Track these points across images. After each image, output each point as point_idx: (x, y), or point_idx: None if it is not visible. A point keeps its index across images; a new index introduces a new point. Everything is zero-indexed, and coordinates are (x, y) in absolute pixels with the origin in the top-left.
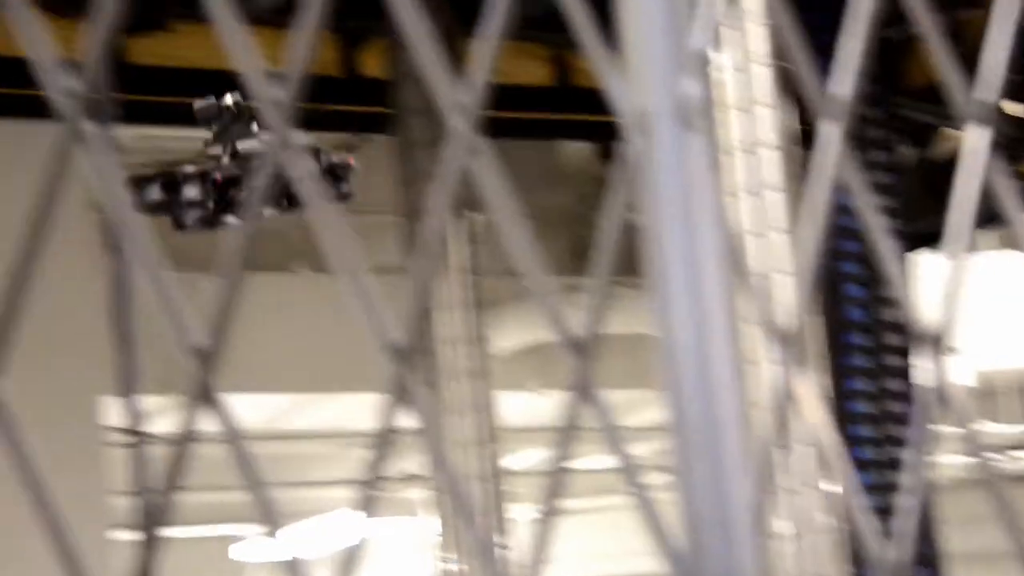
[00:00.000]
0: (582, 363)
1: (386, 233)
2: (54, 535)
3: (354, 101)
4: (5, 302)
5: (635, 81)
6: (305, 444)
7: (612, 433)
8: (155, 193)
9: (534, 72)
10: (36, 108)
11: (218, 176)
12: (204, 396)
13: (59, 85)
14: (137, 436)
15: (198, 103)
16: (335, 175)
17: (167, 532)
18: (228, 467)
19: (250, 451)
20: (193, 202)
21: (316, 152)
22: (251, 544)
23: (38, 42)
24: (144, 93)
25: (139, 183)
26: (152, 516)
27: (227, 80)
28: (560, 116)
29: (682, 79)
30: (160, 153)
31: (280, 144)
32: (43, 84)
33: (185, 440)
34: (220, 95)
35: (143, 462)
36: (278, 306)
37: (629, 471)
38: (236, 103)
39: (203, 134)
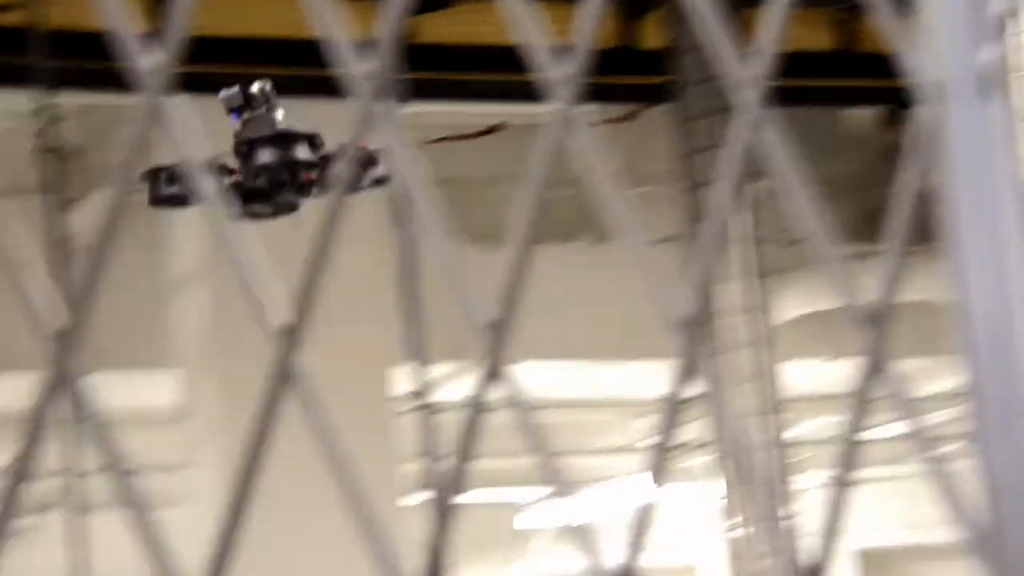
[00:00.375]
0: (875, 331)
1: (665, 203)
2: (354, 504)
3: (633, 72)
4: (304, 279)
5: (932, 49)
6: (589, 412)
7: (905, 401)
8: (165, 187)
9: (818, 38)
10: (329, 87)
11: (231, 166)
12: (494, 367)
13: (354, 66)
14: (426, 404)
15: (223, 92)
16: (359, 161)
17: (459, 499)
18: (515, 434)
19: (537, 419)
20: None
21: (311, 139)
22: (536, 511)
23: (334, 24)
24: (430, 70)
25: (152, 176)
26: (444, 483)
27: (512, 56)
28: (845, 82)
29: (980, 46)
30: (445, 129)
31: (563, 119)
32: (338, 64)
33: (476, 409)
34: (490, 71)
35: (433, 430)
36: (563, 276)
37: (923, 440)
38: (261, 90)
39: (489, 109)
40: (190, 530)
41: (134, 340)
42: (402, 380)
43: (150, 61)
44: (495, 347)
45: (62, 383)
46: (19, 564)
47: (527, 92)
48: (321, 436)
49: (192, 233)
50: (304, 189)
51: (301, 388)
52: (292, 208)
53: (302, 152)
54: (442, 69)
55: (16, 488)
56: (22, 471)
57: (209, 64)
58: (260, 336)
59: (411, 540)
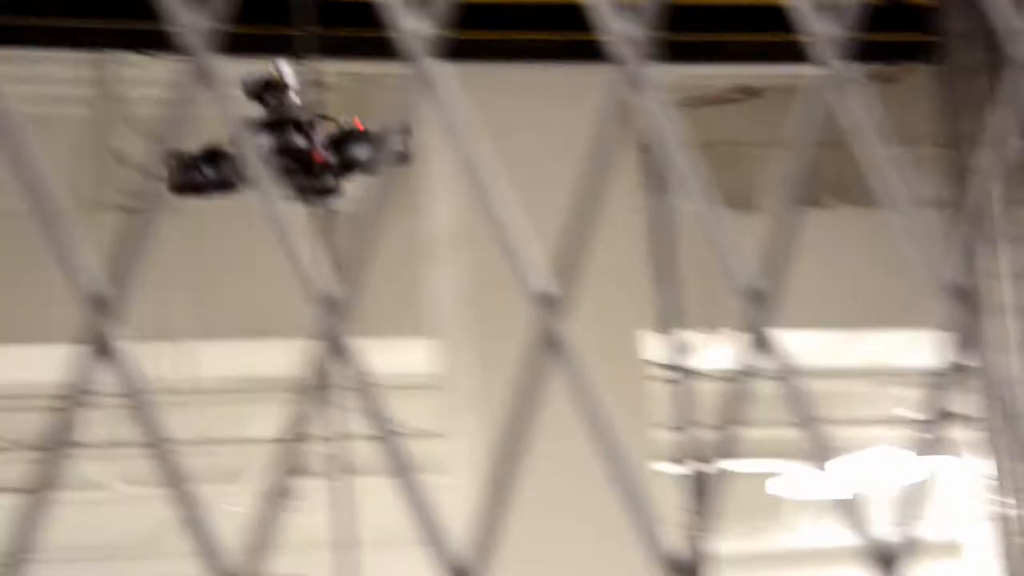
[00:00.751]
0: None
1: (929, 165)
2: (616, 471)
3: (896, 29)
4: (566, 245)
5: None
6: (844, 381)
7: None
8: (185, 174)
9: None
10: (590, 52)
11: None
12: (757, 335)
13: (616, 29)
14: (679, 371)
15: (244, 77)
16: (357, 140)
17: (720, 466)
18: (765, 402)
19: (803, 388)
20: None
21: (298, 125)
22: (788, 480)
23: None
24: (686, 32)
25: (178, 161)
26: (708, 451)
27: (766, 16)
28: None
29: None
30: (692, 90)
31: (831, 80)
32: (599, 28)
33: (741, 377)
34: (745, 31)
35: (685, 397)
36: (817, 241)
37: None
38: (278, 71)
39: (743, 71)
40: (447, 497)
41: (392, 306)
42: (653, 346)
43: (418, 28)
44: (760, 315)
45: (332, 350)
46: (289, 527)
47: (782, 53)
48: (583, 404)
49: (449, 199)
50: (317, 171)
51: (562, 356)
52: (329, 191)
53: (296, 138)
54: (697, 30)
55: (292, 452)
56: (297, 435)
57: (473, 30)
58: (516, 303)
59: (663, 505)
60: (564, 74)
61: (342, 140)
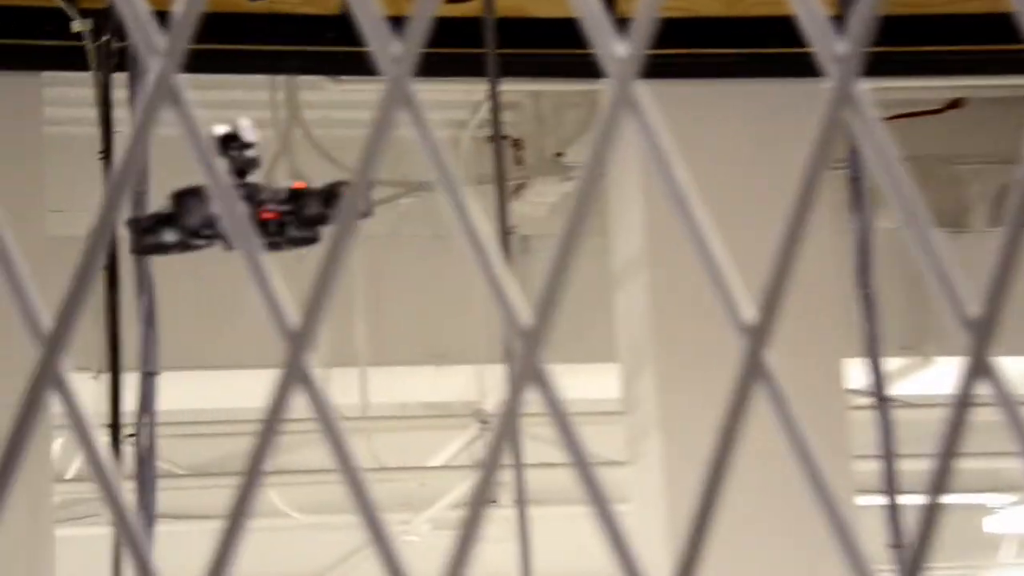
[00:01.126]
0: None
1: None
2: (821, 500)
3: None
4: (773, 275)
5: None
6: None
7: None
8: (148, 236)
9: None
10: (805, 67)
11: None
12: (975, 362)
13: (829, 47)
14: (881, 399)
15: (209, 129)
16: (305, 198)
17: (933, 500)
18: (983, 433)
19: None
20: (165, 244)
21: (248, 187)
22: (1008, 515)
23: (811, 3)
24: (891, 44)
25: (135, 224)
26: (911, 482)
27: (974, 27)
28: None
29: None
30: (893, 104)
31: None
32: (811, 44)
33: (959, 406)
34: (950, 43)
35: (887, 425)
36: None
37: None
38: (235, 129)
39: (948, 83)
40: (633, 526)
41: (578, 332)
42: (857, 373)
43: (620, 50)
44: (979, 341)
45: (527, 377)
46: (479, 557)
47: (995, 64)
48: (788, 435)
49: (635, 223)
50: (272, 228)
51: (768, 387)
52: (301, 240)
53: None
54: (902, 43)
55: (486, 481)
56: (492, 463)
57: (669, 47)
58: (698, 328)
59: (869, 539)
60: (752, 90)
61: (293, 198)
